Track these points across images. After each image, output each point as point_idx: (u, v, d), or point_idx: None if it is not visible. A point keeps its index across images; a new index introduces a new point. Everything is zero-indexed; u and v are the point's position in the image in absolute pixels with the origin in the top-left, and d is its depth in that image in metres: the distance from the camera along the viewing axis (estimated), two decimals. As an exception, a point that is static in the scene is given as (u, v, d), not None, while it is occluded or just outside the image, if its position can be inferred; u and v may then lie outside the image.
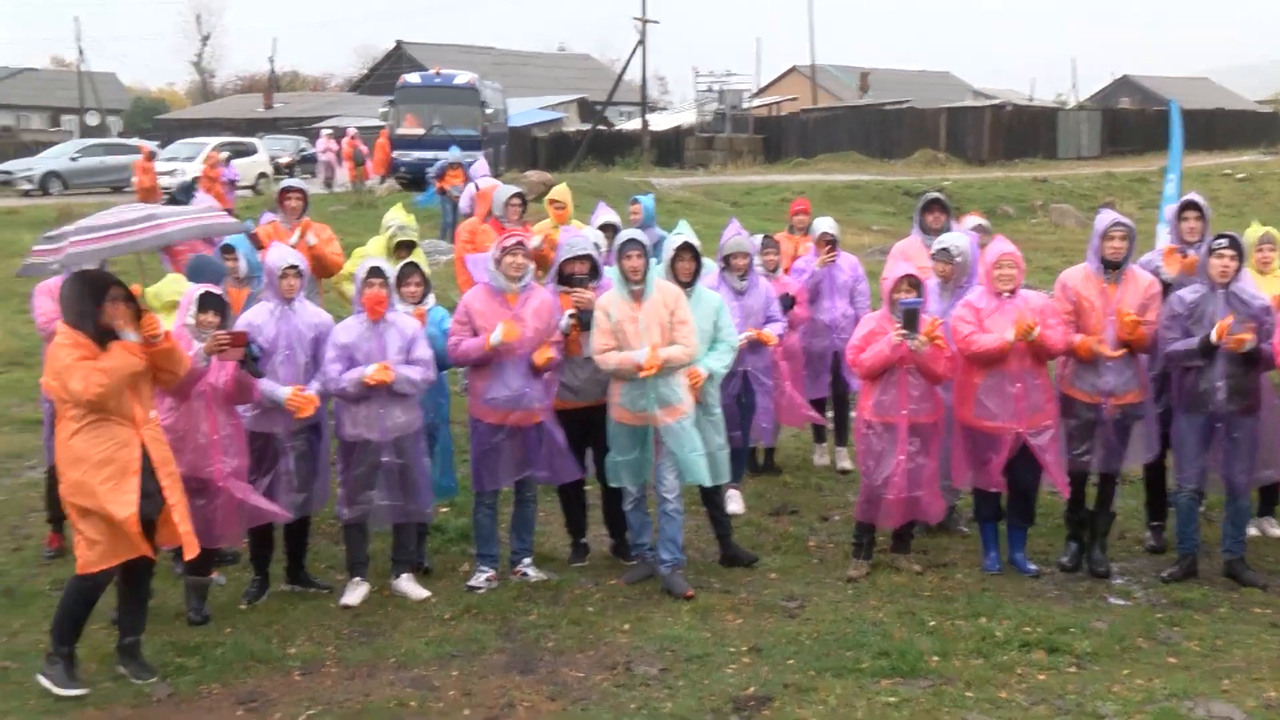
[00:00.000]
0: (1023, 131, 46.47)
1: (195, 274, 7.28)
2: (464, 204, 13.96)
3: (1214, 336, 6.96)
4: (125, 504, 5.79)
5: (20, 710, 5.78)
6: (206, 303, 6.58)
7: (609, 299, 7.28)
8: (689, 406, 7.31)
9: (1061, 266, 8.45)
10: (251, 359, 6.64)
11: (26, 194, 33.13)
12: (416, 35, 76.44)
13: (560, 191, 10.83)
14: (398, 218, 9.01)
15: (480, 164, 18.00)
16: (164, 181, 31.50)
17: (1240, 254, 7.13)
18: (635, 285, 7.21)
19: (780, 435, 10.10)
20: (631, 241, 7.25)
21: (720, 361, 7.60)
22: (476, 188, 13.15)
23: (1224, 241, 7.14)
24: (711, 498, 7.81)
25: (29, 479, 9.43)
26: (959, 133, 45.15)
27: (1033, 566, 7.60)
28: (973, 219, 9.73)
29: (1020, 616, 6.75)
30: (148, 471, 5.90)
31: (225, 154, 28.52)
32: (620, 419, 7.32)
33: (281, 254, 7.13)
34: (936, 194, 9.38)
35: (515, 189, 10.87)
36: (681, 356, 7.19)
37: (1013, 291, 7.30)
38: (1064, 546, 7.79)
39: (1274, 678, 6.04)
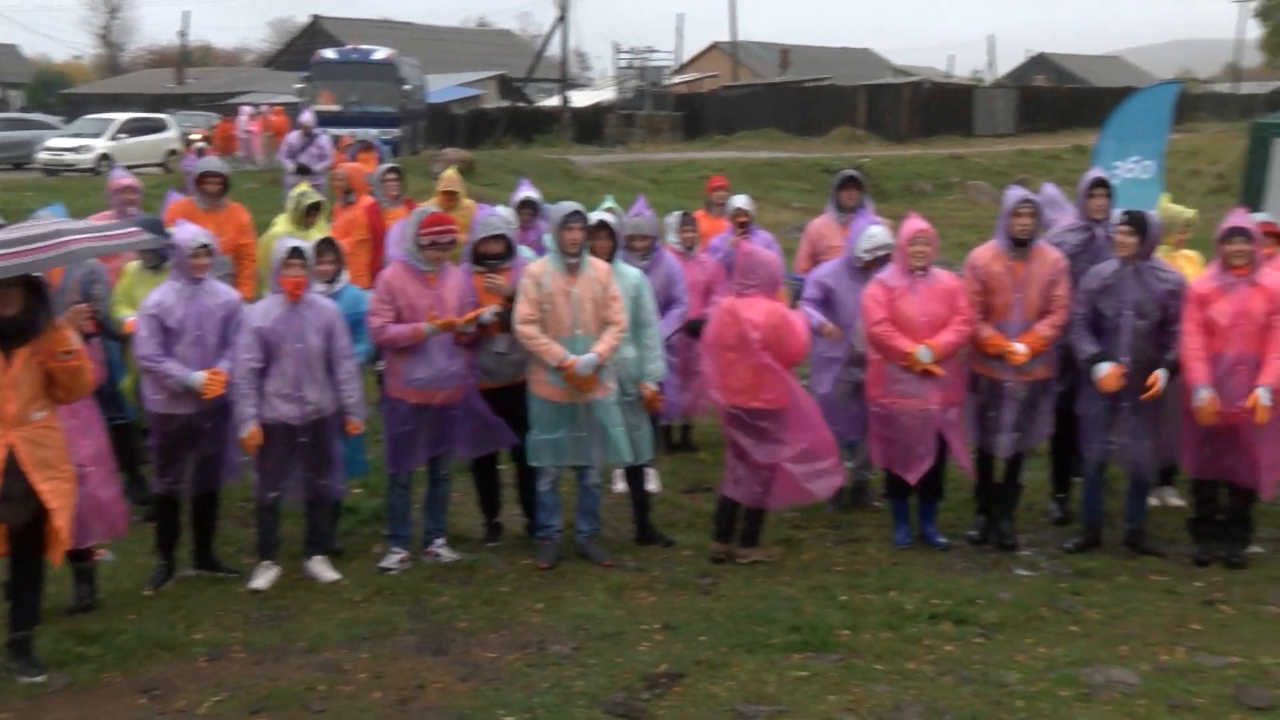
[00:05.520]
0: (941, 109, 47.07)
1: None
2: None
3: (1099, 380, 7.20)
4: None
5: (-85, 702, 5.63)
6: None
7: (541, 268, 7.21)
8: (613, 384, 7.32)
9: (976, 243, 8.52)
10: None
11: (-76, 172, 32.13)
12: (333, 9, 75.00)
13: (448, 180, 10.33)
14: (297, 189, 9.61)
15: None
16: (68, 159, 30.81)
17: (1142, 232, 7.21)
18: (572, 259, 7.15)
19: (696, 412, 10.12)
20: (575, 214, 7.17)
21: (655, 359, 7.56)
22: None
23: (1124, 218, 7.28)
24: (634, 477, 7.82)
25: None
26: (878, 110, 45.49)
27: (942, 540, 7.69)
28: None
29: (929, 589, 6.83)
30: (12, 474, 5.59)
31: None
32: (546, 395, 7.23)
33: (192, 233, 6.98)
34: (852, 171, 9.46)
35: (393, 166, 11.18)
36: (615, 344, 7.17)
37: (925, 269, 7.37)
38: (972, 520, 7.90)
39: (1168, 642, 6.19)
